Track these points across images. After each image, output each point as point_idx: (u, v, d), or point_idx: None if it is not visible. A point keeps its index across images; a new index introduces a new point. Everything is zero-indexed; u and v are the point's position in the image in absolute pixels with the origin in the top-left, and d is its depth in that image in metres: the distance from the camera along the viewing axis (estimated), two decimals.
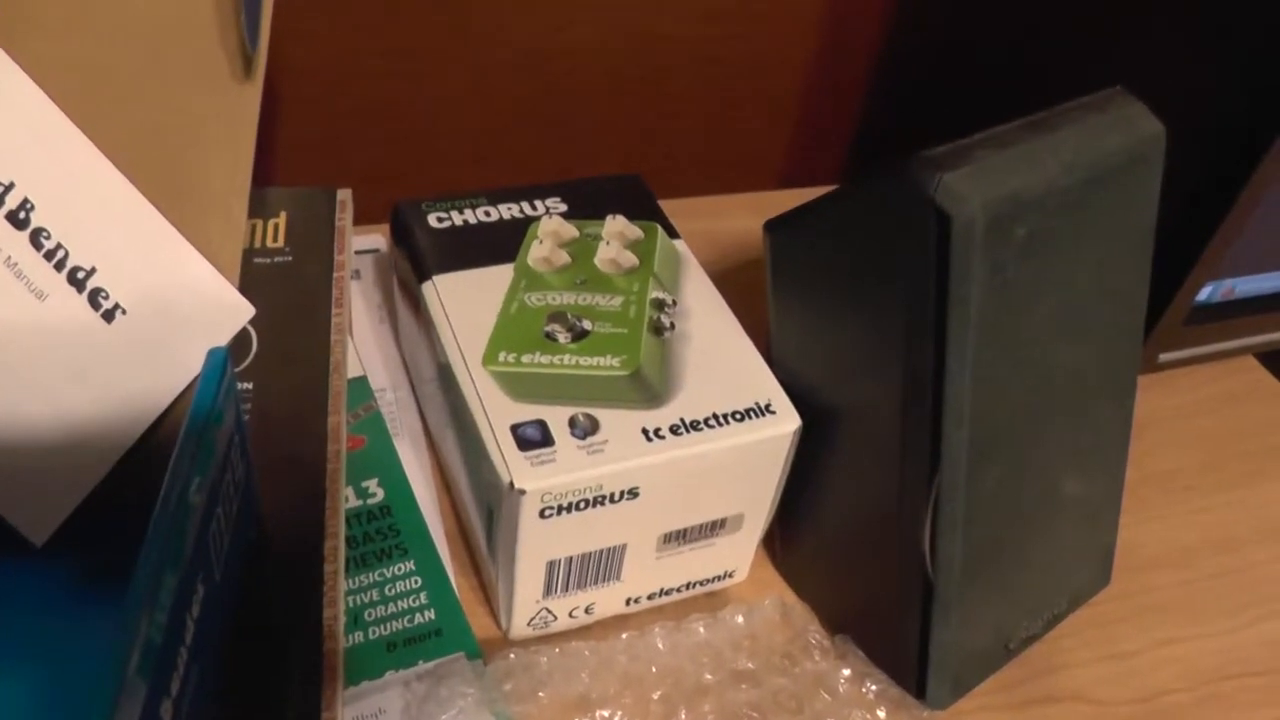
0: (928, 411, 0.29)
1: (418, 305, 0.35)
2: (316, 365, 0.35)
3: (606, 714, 0.28)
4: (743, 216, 0.54)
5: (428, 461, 0.38)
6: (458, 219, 0.36)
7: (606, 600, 0.34)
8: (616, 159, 0.60)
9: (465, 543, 0.36)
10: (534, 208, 0.37)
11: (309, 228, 0.39)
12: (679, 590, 0.35)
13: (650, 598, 0.35)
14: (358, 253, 0.46)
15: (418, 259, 0.35)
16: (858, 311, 0.30)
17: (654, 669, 0.29)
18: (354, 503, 0.35)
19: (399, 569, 0.33)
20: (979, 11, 0.51)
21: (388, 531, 0.34)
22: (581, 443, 0.30)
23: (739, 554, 0.36)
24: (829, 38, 0.59)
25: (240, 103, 0.33)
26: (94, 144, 0.29)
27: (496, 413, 0.30)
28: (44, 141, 0.28)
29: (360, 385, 0.38)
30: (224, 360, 0.28)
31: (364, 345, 0.41)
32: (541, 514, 0.30)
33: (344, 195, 0.41)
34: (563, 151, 0.59)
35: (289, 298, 0.37)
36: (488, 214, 0.36)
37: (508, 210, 0.37)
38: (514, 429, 0.30)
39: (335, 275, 0.38)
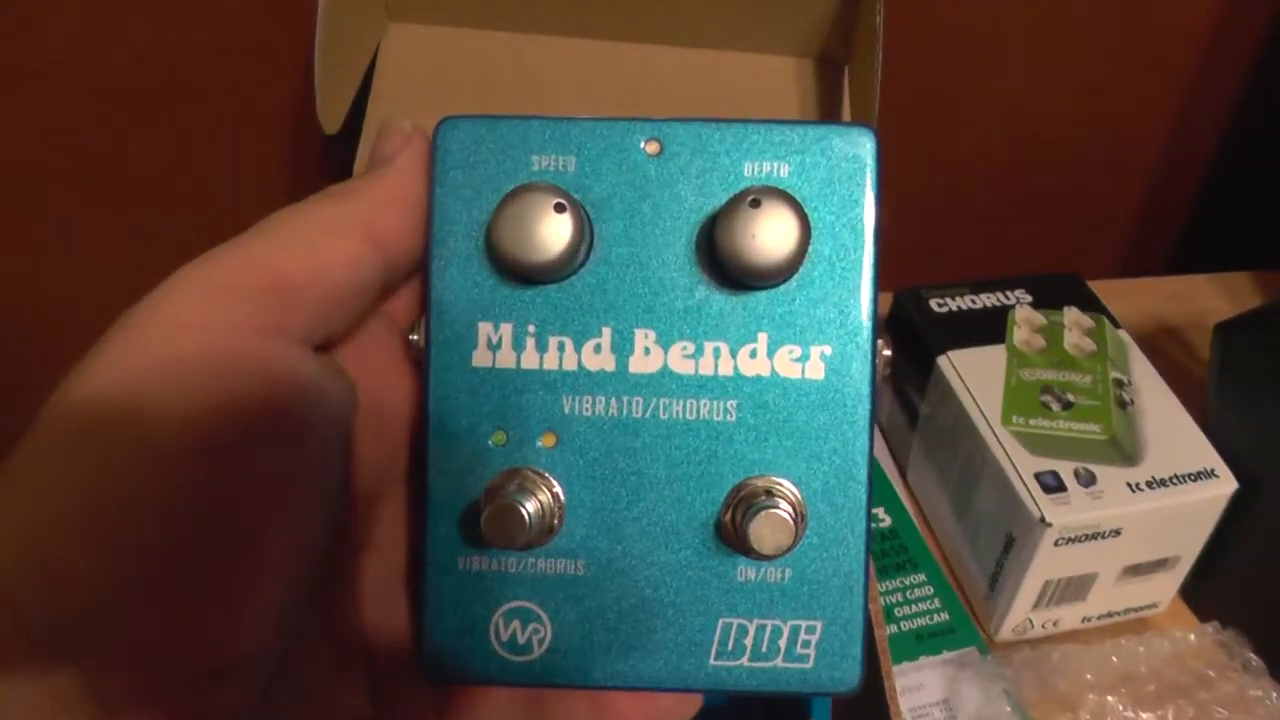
0: None
1: (921, 375, 0.48)
2: None
3: (1113, 699, 0.40)
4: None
5: (905, 499, 0.51)
6: (951, 305, 0.49)
7: (1069, 617, 0.46)
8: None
9: (944, 563, 0.49)
10: (1006, 297, 0.50)
11: None
12: (1117, 614, 0.47)
13: (1098, 618, 0.47)
14: None
15: (927, 337, 0.48)
16: None
17: (1143, 669, 0.41)
18: None
19: (913, 579, 0.46)
20: None
21: (899, 549, 0.47)
22: (1085, 490, 0.42)
23: (1167, 589, 0.47)
24: (1170, 140, 0.70)
25: None
26: None
27: (1021, 462, 0.43)
28: None
29: None
30: None
31: None
32: (1055, 543, 0.42)
33: None
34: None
35: None
36: (973, 301, 0.49)
37: (987, 299, 0.49)
38: (1036, 476, 0.42)
39: None
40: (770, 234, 0.19)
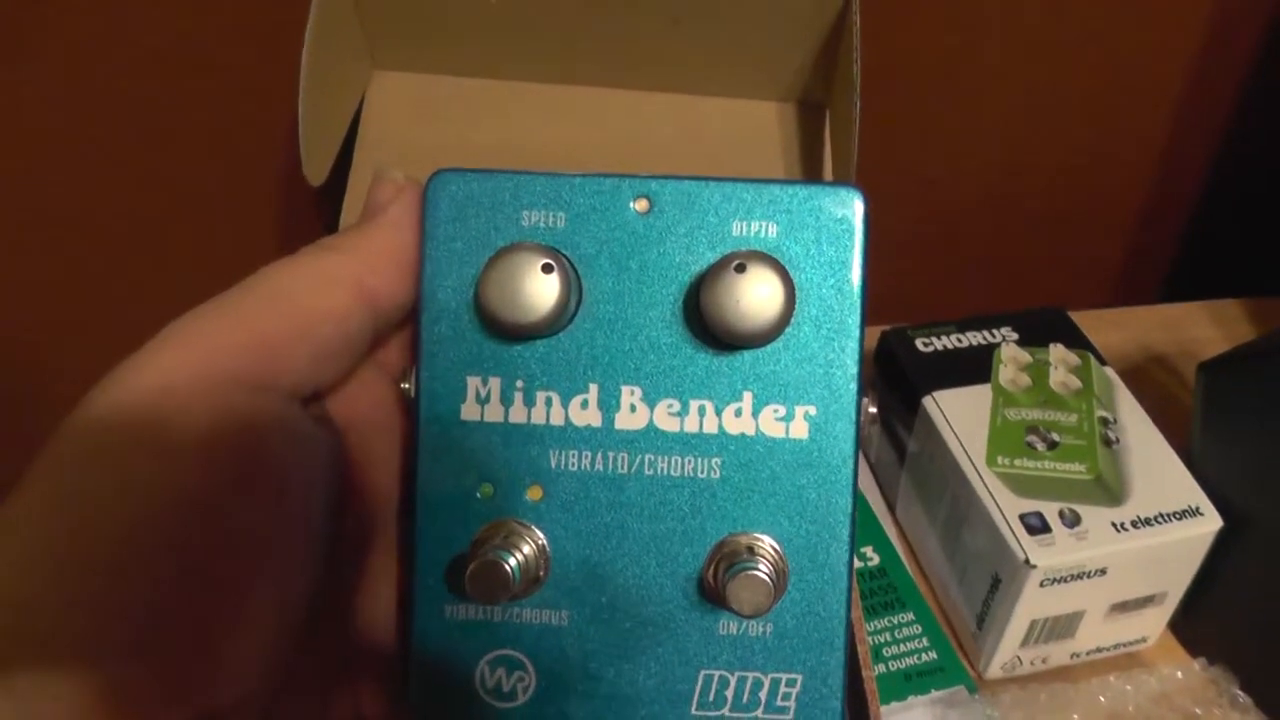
0: None
1: (908, 413, 0.49)
2: None
3: None
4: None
5: (894, 534, 0.52)
6: (937, 344, 0.50)
7: (1058, 653, 0.47)
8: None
9: (933, 599, 0.49)
10: (992, 335, 0.51)
11: None
12: (1107, 649, 0.48)
13: (1087, 654, 0.48)
14: None
15: (913, 377, 0.49)
16: None
17: (1130, 708, 0.42)
18: (857, 564, 0.48)
19: (901, 618, 0.47)
20: None
21: (887, 588, 0.48)
22: (1070, 531, 0.43)
23: (1155, 624, 0.48)
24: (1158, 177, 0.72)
25: None
26: None
27: (1006, 504, 0.44)
28: None
29: None
30: None
31: None
32: (1041, 584, 0.43)
33: None
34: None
35: None
36: (959, 340, 0.50)
37: (973, 337, 0.50)
38: (1021, 517, 0.43)
39: None
40: (754, 299, 0.20)
